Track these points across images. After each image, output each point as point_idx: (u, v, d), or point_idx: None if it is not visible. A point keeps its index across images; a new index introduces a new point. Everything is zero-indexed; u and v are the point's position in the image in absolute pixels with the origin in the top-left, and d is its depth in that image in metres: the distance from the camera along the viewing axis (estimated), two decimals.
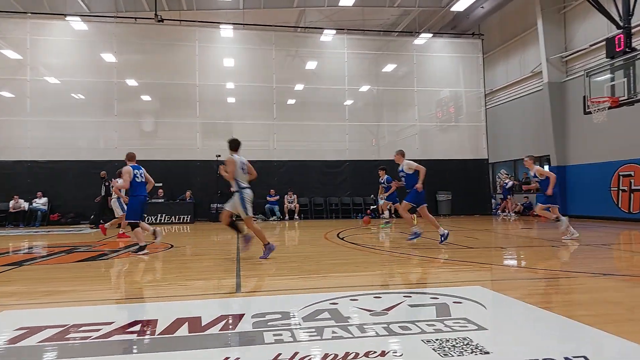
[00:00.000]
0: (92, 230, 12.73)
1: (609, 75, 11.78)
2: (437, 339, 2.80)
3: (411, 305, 3.70)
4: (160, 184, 16.09)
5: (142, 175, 7.74)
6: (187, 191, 16.03)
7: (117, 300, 4.17)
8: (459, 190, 17.58)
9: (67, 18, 15.89)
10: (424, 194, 7.90)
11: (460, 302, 3.73)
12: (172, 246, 8.54)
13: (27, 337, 3.02)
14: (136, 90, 17.30)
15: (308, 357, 2.55)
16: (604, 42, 12.47)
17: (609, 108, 11.32)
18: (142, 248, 7.32)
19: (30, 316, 3.60)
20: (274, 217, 16.23)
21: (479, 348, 2.64)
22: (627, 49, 11.03)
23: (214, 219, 15.74)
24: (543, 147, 16.64)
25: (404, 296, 3.97)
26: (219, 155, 16.09)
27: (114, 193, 10.02)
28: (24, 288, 4.82)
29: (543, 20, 16.04)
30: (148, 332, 3.09)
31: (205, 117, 17.03)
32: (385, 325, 3.10)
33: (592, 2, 12.33)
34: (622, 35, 11.15)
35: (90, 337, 3.01)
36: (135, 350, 2.75)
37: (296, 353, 2.61)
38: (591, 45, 14.68)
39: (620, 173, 13.79)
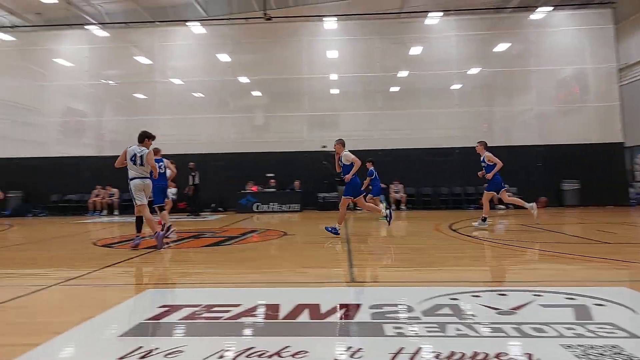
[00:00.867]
0: (214, 218, 13.84)
1: None
2: (579, 345, 2.51)
3: (543, 305, 3.38)
4: (273, 174, 16.96)
5: (164, 167, 8.67)
6: (296, 181, 16.63)
7: (241, 284, 4.45)
8: (588, 178, 15.77)
9: (188, 24, 17.39)
10: (358, 185, 8.01)
11: (603, 305, 3.31)
12: (285, 234, 8.92)
13: (169, 314, 3.35)
14: (248, 86, 18.33)
15: (434, 354, 2.45)
16: None
17: None
18: (168, 229, 8.31)
19: (171, 295, 4.00)
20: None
21: (633, 359, 2.31)
22: None
23: (321, 207, 16.17)
24: None
25: (534, 295, 3.64)
26: (325, 146, 16.44)
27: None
28: (161, 269, 5.39)
29: None
30: (272, 316, 3.24)
31: (312, 109, 17.48)
32: (516, 326, 2.87)
33: None
34: None
35: (221, 317, 3.24)
36: (262, 333, 2.89)
37: (419, 349, 2.53)
38: None
39: None
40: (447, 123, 17.13)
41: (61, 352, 2.73)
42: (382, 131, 17.35)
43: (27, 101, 18.32)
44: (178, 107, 17.87)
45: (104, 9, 18.62)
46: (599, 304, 3.32)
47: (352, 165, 7.76)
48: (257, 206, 16.04)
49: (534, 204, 9.06)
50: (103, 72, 18.86)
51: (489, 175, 8.90)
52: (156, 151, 8.59)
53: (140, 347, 2.64)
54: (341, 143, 8.21)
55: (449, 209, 15.87)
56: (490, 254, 6.12)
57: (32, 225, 12.53)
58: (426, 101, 17.52)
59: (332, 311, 3.35)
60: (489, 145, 9.41)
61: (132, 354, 2.54)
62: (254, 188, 16.51)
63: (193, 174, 14.69)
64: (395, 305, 3.48)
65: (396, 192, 16.15)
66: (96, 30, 17.89)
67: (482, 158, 9.05)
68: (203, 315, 3.29)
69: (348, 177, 7.81)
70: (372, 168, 11.80)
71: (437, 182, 16.69)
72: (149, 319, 3.23)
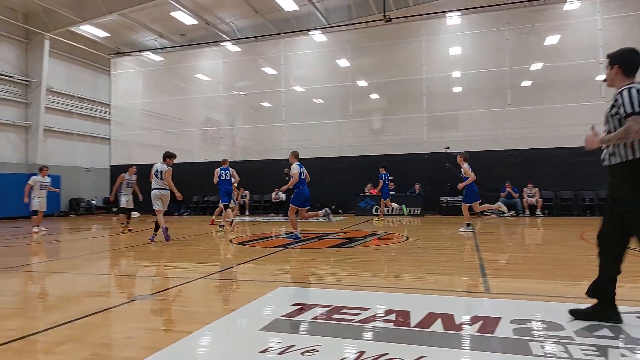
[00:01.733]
0: (335, 220, 14.14)
1: None
2: None
3: None
4: (392, 177, 16.78)
5: (229, 174, 10.31)
6: (416, 184, 16.20)
7: (367, 287, 4.43)
8: None
9: (310, 32, 18.11)
10: (301, 197, 8.41)
11: None
12: (407, 238, 8.73)
13: (302, 312, 3.47)
14: (366, 90, 18.43)
15: None
16: None
17: None
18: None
19: (301, 294, 4.14)
20: (509, 213, 14.90)
21: None
22: None
23: (444, 212, 15.52)
24: None
25: None
26: (447, 147, 15.76)
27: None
28: (291, 268, 5.64)
29: None
30: (403, 323, 3.15)
31: (431, 110, 16.90)
32: None
33: None
34: None
35: (352, 320, 3.25)
36: (394, 339, 2.82)
37: None
38: None
39: None
40: (590, 119, 15.11)
41: (210, 341, 2.98)
42: (511, 130, 16.05)
43: (174, 113, 20.82)
44: (300, 113, 18.71)
45: (236, 26, 20.33)
46: None
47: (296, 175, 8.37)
48: (376, 209, 15.97)
49: (499, 202, 10.30)
50: (235, 84, 20.61)
51: (460, 186, 9.73)
52: (224, 161, 10.82)
53: (279, 342, 2.76)
54: (294, 154, 8.84)
55: (594, 216, 14.01)
56: None
57: (179, 222, 14.12)
58: (564, 94, 15.73)
59: (468, 322, 3.15)
60: None
61: (272, 349, 2.66)
62: (373, 191, 16.49)
63: (287, 178, 15.54)
64: (541, 321, 3.15)
65: (530, 197, 14.76)
66: (230, 46, 19.60)
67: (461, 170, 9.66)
68: (334, 317, 3.34)
69: (284, 188, 9.19)
70: (383, 172, 12.78)
71: (579, 185, 14.85)
72: (284, 316, 3.38)
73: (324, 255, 6.72)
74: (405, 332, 2.97)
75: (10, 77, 17.70)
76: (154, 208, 8.71)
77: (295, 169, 8.37)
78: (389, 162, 16.79)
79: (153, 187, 8.67)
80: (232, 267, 5.64)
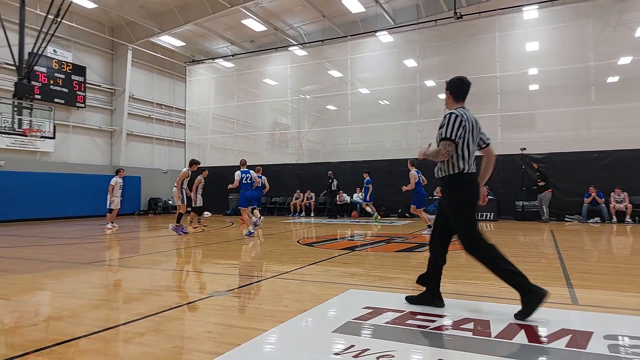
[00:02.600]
0: (402, 223, 13.90)
1: None
2: None
3: None
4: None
5: (250, 178, 10.15)
6: (484, 187, 15.43)
7: (442, 292, 4.26)
8: None
9: (377, 34, 17.97)
10: (243, 198, 9.88)
11: None
12: None
13: (374, 316, 3.40)
14: (434, 90, 17.90)
15: None
16: None
17: None
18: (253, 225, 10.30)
19: (372, 297, 4.07)
20: (593, 220, 13.79)
21: None
22: None
23: (519, 217, 14.69)
24: None
25: None
26: (524, 149, 14.91)
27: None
28: (360, 270, 5.59)
29: None
30: (483, 333, 2.99)
31: (506, 109, 16.05)
32: None
33: None
34: None
35: (428, 326, 3.14)
36: (474, 349, 2.68)
37: None
38: None
39: None
40: None
41: (284, 340, 3.01)
42: (596, 130, 14.84)
43: (244, 117, 21.60)
44: (366, 115, 18.60)
45: (304, 30, 20.68)
46: None
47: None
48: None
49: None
50: (301, 88, 20.94)
51: (404, 189, 10.76)
52: (243, 162, 10.90)
53: (353, 345, 2.72)
54: (240, 162, 10.23)
55: None
56: None
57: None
58: None
59: (556, 335, 2.92)
60: None
61: (346, 351, 2.63)
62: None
63: (330, 180, 15.89)
64: (639, 338, 2.85)
65: (618, 202, 13.53)
66: (297, 50, 19.96)
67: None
68: (408, 322, 3.25)
69: (231, 186, 10.04)
70: (368, 178, 14.06)
71: None
72: (356, 319, 3.33)
73: (394, 259, 6.59)
74: (485, 342, 2.81)
75: (98, 85, 19.29)
76: (178, 204, 10.86)
77: (237, 174, 9.92)
78: None
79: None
80: (301, 267, 5.70)
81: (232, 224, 13.10)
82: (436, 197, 15.91)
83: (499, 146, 15.97)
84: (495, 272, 3.42)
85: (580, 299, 4.01)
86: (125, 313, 3.74)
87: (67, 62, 17.64)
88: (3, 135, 14.88)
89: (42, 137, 15.62)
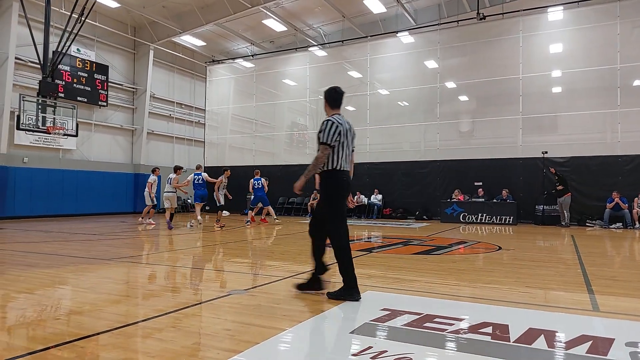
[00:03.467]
0: (419, 225, 13.80)
1: None
2: None
3: None
4: (480, 183, 15.99)
5: (260, 183, 13.24)
6: (504, 190, 15.18)
7: (458, 296, 4.24)
8: None
9: (398, 34, 17.87)
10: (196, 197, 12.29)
11: None
12: (499, 248, 8.24)
13: (392, 318, 3.40)
14: (455, 92, 17.71)
15: None
16: None
17: None
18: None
19: (390, 299, 4.07)
20: (615, 225, 13.45)
21: None
22: None
23: (539, 221, 14.44)
24: None
25: None
26: (546, 152, 14.65)
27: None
28: (377, 272, 5.57)
29: None
30: (502, 337, 2.96)
31: (528, 111, 15.77)
32: None
33: None
34: None
35: (446, 330, 3.12)
36: (494, 354, 2.65)
37: None
38: None
39: None
40: None
41: (303, 339, 3.03)
42: (622, 134, 14.48)
43: (263, 117, 21.71)
44: (384, 116, 18.50)
45: (323, 31, 20.71)
46: None
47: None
48: (464, 216, 15.30)
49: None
50: (320, 89, 20.94)
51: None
52: (198, 167, 13.08)
53: (370, 347, 2.73)
54: (196, 167, 12.72)
55: None
56: None
57: (264, 223, 14.63)
58: None
59: (575, 342, 2.88)
60: None
61: (365, 352, 2.64)
62: (461, 197, 15.83)
63: None
64: None
65: None
66: (316, 51, 19.99)
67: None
68: (426, 325, 3.23)
69: (178, 185, 12.46)
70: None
71: None
72: (374, 320, 3.33)
73: (411, 262, 6.55)
74: (505, 347, 2.79)
75: (120, 84, 19.65)
76: (165, 206, 12.66)
77: (189, 177, 12.66)
78: (478, 166, 16.06)
79: (165, 190, 12.62)
80: None
81: (249, 222, 13.20)
82: (454, 199, 15.77)
83: (519, 149, 15.76)
84: (315, 252, 4.32)
85: (601, 305, 3.93)
86: (145, 309, 3.81)
87: (90, 61, 18.02)
88: (27, 132, 15.28)
89: (65, 134, 15.96)
